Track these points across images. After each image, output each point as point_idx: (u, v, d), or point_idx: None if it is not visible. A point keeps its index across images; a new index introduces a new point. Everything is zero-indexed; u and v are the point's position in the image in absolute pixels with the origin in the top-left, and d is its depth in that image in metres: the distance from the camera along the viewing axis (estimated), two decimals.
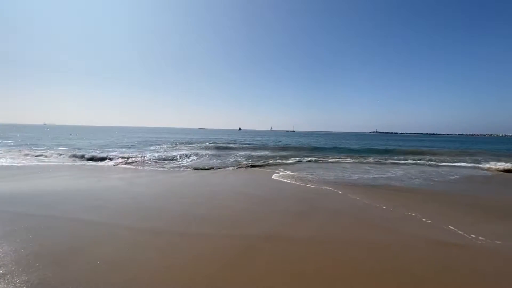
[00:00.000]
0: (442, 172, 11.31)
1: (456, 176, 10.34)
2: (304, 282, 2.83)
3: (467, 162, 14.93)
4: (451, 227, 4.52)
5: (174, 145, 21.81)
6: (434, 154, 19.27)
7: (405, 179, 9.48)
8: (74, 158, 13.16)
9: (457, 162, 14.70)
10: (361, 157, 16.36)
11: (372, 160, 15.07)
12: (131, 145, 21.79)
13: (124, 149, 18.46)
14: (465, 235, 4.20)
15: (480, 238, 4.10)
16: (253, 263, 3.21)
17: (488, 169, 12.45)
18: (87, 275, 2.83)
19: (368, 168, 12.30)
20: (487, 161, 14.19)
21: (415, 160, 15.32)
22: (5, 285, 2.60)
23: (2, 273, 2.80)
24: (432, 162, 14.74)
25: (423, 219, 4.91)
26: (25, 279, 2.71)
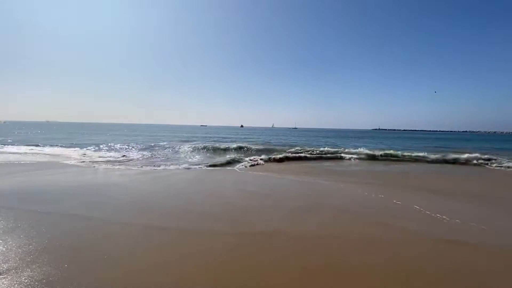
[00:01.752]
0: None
1: None
2: (309, 277, 2.86)
3: None
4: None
5: (175, 143, 21.86)
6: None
7: None
8: (79, 156, 13.25)
9: None
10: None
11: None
12: (133, 143, 21.87)
13: (124, 147, 18.56)
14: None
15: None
16: (257, 258, 3.23)
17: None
18: (89, 271, 2.87)
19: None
20: None
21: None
22: (9, 280, 2.65)
23: (6, 269, 2.84)
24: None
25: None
26: (29, 275, 2.75)
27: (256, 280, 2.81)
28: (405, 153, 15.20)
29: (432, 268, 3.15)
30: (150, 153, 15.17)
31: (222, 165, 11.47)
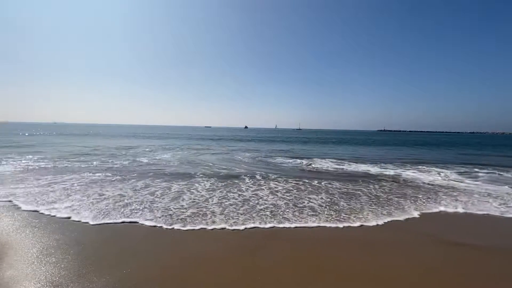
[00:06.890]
0: None
1: None
2: (312, 278, 2.81)
3: None
4: None
5: (177, 148, 21.91)
6: None
7: None
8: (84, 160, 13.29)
9: None
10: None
11: None
12: (137, 146, 21.95)
13: (129, 147, 18.65)
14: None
15: None
16: (259, 258, 3.20)
17: None
18: (93, 270, 2.86)
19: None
20: None
21: None
22: (14, 279, 2.66)
23: (11, 267, 2.87)
24: None
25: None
26: (32, 273, 2.77)
27: (261, 278, 2.77)
28: None
29: (443, 270, 3.08)
30: (152, 156, 14.98)
31: (222, 168, 11.36)
